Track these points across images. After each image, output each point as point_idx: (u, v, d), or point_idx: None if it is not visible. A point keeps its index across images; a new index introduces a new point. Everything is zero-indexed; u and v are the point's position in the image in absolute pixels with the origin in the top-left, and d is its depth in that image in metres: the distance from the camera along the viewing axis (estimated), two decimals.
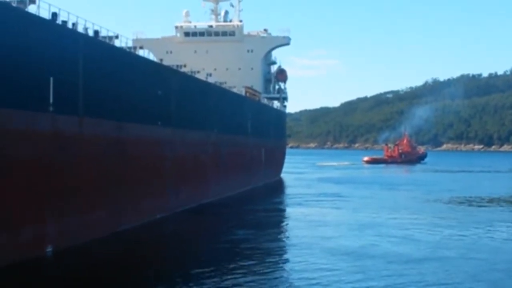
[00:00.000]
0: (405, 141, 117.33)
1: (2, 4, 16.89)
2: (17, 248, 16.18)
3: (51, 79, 18.16)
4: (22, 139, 16.39)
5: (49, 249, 17.91)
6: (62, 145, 18.74)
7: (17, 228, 16.26)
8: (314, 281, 14.86)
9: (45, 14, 18.72)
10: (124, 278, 16.05)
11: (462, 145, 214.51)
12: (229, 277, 15.13)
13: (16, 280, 14.22)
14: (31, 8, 18.72)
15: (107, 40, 24.63)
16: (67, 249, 17.89)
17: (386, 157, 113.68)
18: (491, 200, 42.25)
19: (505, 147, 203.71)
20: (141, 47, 31.99)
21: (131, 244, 21.07)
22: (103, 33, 23.72)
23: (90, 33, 22.40)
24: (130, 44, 28.62)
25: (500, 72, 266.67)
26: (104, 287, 15.22)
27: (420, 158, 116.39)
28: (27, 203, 16.70)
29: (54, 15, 19.50)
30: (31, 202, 16.90)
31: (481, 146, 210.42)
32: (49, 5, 19.03)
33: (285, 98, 62.70)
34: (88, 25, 22.20)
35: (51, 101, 18.09)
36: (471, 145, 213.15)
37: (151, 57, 36.59)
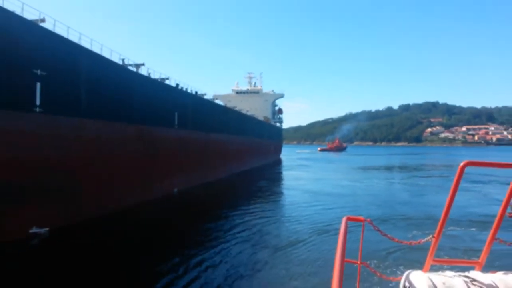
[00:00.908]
0: (337, 140, 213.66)
1: (158, 82, 37.85)
2: (165, 189, 33.74)
3: (176, 113, 40.74)
4: (163, 141, 34.20)
5: (175, 190, 35.55)
6: (182, 144, 40.81)
7: (163, 180, 33.77)
8: (296, 200, 33.94)
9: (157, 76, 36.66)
10: (213, 201, 35.05)
11: (363, 143, 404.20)
12: (259, 200, 33.74)
13: (163, 204, 30.09)
14: (143, 70, 31.93)
15: (201, 95, 48.40)
16: (185, 190, 37.41)
17: (328, 148, 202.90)
18: (376, 167, 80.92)
19: (384, 144, 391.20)
20: (216, 99, 64.56)
21: (212, 187, 41.85)
22: (199, 92, 47.39)
23: (193, 92, 45.73)
24: (211, 97, 54.83)
25: (381, 108, 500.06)
26: (206, 207, 29.12)
27: (344, 149, 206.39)
28: (167, 169, 34.74)
29: (177, 85, 42.64)
30: (168, 169, 35.78)
31: (371, 143, 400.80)
32: (164, 77, 42.49)
33: (282, 122, 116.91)
34: (192, 88, 45.72)
35: (176, 122, 40.47)
36: (367, 143, 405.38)
37: (221, 103, 64.39)
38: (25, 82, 18.77)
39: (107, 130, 25.56)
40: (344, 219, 4.83)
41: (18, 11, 18.74)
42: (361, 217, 5.20)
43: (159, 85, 35.67)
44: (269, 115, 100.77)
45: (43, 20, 20.23)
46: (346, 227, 4.63)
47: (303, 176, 58.86)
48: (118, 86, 27.49)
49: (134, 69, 30.99)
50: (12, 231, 17.44)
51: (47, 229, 19.36)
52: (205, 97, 49.70)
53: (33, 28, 19.77)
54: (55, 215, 20.12)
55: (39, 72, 19.33)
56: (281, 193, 40.73)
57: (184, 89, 41.84)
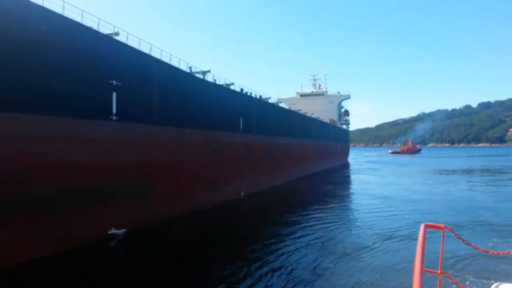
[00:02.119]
0: (409, 142, 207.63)
1: (234, 92, 38.50)
2: (231, 193, 34.36)
3: (241, 118, 41.19)
4: (229, 146, 35.22)
5: (242, 194, 36.10)
6: (247, 148, 40.86)
7: (229, 184, 34.26)
8: (363, 205, 32.84)
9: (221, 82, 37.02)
10: (278, 205, 35.11)
11: (439, 144, 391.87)
12: (324, 205, 33.22)
13: (230, 207, 30.73)
14: (209, 77, 32.45)
15: (265, 99, 48.73)
16: (250, 194, 37.75)
17: (400, 150, 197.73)
18: (454, 171, 75.32)
19: (462, 145, 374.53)
20: (280, 102, 64.67)
21: (277, 191, 41.97)
22: (263, 96, 47.75)
23: (257, 96, 46.19)
24: (275, 101, 54.46)
25: (458, 107, 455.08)
26: (271, 211, 29.74)
27: (418, 151, 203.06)
28: (233, 173, 35.17)
29: (242, 90, 43.35)
30: (234, 173, 36.30)
31: (448, 144, 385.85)
32: (229, 83, 43.21)
33: (348, 124, 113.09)
34: (256, 92, 46.19)
35: (241, 127, 40.64)
36: (443, 144, 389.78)
37: (285, 107, 64.34)
38: (104, 93, 20.25)
39: (177, 136, 26.67)
40: (422, 226, 4.71)
41: (95, 27, 20.30)
42: (441, 224, 5.02)
43: (224, 91, 36.53)
44: (335, 117, 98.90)
45: (117, 34, 21.68)
46: (424, 234, 4.54)
47: (372, 180, 56.70)
48: (186, 93, 28.61)
49: (200, 76, 32.07)
50: (93, 232, 18.82)
51: (124, 230, 20.60)
52: (269, 101, 50.09)
53: (109, 42, 21.28)
54: (131, 218, 21.36)
55: (114, 82, 20.73)
56: (348, 197, 39.50)
57: (248, 93, 42.47)
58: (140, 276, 14.66)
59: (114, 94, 20.84)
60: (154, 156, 23.91)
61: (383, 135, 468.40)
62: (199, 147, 29.59)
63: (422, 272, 3.63)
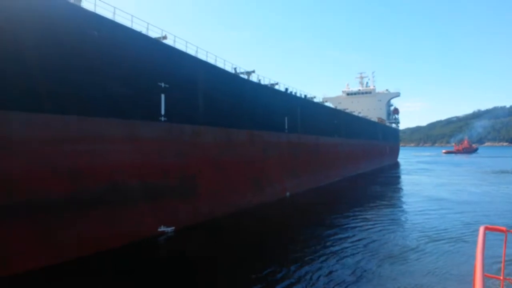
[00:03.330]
0: (465, 141, 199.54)
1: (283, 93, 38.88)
2: (276, 193, 34.59)
3: (286, 118, 40.95)
4: (274, 145, 35.47)
5: (287, 194, 36.67)
6: (292, 148, 40.46)
7: (273, 184, 34.56)
8: (413, 206, 31.55)
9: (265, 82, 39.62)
10: (323, 205, 34.49)
11: (496, 143, 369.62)
12: (371, 206, 32.23)
13: (276, 207, 31.03)
14: (253, 77, 33.15)
15: (310, 98, 48.20)
16: (295, 193, 37.73)
17: (455, 150, 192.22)
18: None
19: None
20: (326, 101, 62.47)
21: (323, 191, 41.16)
22: (308, 95, 47.25)
23: (302, 96, 45.81)
24: (320, 100, 53.38)
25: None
26: (317, 212, 29.27)
27: (474, 150, 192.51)
28: (279, 173, 35.95)
29: (286, 89, 43.16)
30: (280, 173, 36.19)
31: (506, 144, 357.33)
32: (274, 82, 43.02)
33: (398, 123, 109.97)
34: (301, 92, 45.73)
35: (286, 127, 40.78)
36: (501, 143, 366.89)
37: (331, 106, 63.06)
38: (153, 95, 20.95)
39: (222, 136, 27.02)
40: (481, 229, 4.46)
41: (144, 31, 21.03)
42: (503, 227, 4.73)
43: (269, 91, 36.54)
44: (384, 116, 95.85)
45: (165, 37, 22.37)
46: (484, 237, 4.30)
47: (423, 181, 54.31)
48: (231, 94, 28.94)
49: (245, 76, 32.30)
50: (144, 229, 19.51)
51: (172, 228, 21.18)
52: (315, 100, 49.51)
53: (157, 45, 21.98)
54: (179, 216, 21.91)
55: (163, 85, 21.38)
56: (396, 198, 38.08)
57: (293, 93, 42.18)
58: (188, 272, 14.98)
59: (163, 96, 21.49)
60: (200, 156, 24.38)
61: (435, 134, 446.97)
62: (244, 147, 29.80)
63: (484, 277, 3.37)
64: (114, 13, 18.99)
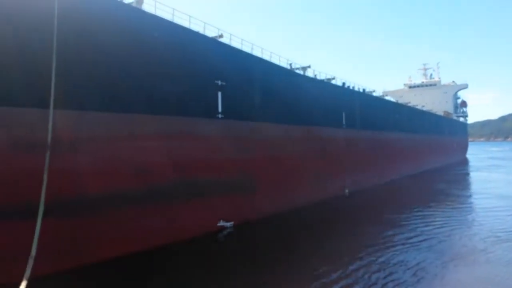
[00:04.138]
0: None
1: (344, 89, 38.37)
2: (334, 190, 33.92)
3: (343, 113, 39.98)
4: (331, 142, 34.51)
5: (346, 191, 35.90)
6: (350, 144, 38.97)
7: (331, 181, 33.66)
8: (482, 206, 29.17)
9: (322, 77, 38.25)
10: (384, 203, 33.77)
11: None
12: (435, 205, 30.14)
13: (334, 204, 30.73)
14: (309, 72, 33.17)
15: (369, 92, 46.61)
16: (355, 191, 36.20)
17: None
18: None
19: None
20: (386, 95, 58.62)
21: (384, 189, 39.65)
22: (367, 89, 45.73)
23: (361, 90, 44.35)
24: (380, 94, 51.54)
25: None
26: (377, 210, 28.86)
27: None
28: (336, 170, 34.76)
29: (344, 84, 42.05)
30: (338, 169, 34.95)
31: None
32: (330, 77, 41.79)
33: (466, 116, 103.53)
34: (359, 86, 44.33)
35: (343, 122, 39.66)
36: None
37: (392, 100, 59.92)
38: (210, 92, 21.39)
39: (278, 132, 26.92)
40: None
41: (201, 30, 21.52)
42: None
43: (325, 86, 35.82)
44: (450, 109, 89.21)
45: (221, 36, 22.77)
46: None
47: (494, 178, 50.34)
48: (286, 90, 28.75)
49: (301, 72, 31.92)
50: (204, 223, 19.98)
51: (231, 223, 21.46)
52: (374, 94, 47.70)
53: (214, 44, 22.40)
54: (237, 211, 22.16)
55: (219, 82, 21.73)
56: (463, 197, 35.52)
57: (351, 87, 40.98)
58: (247, 263, 15.09)
59: (220, 93, 21.84)
60: (257, 153, 24.46)
61: (508, 128, 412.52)
62: (301, 143, 29.46)
63: None
64: (173, 14, 19.59)
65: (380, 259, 15.87)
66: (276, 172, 26.01)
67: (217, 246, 18.50)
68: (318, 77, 35.10)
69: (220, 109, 21.90)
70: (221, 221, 21.22)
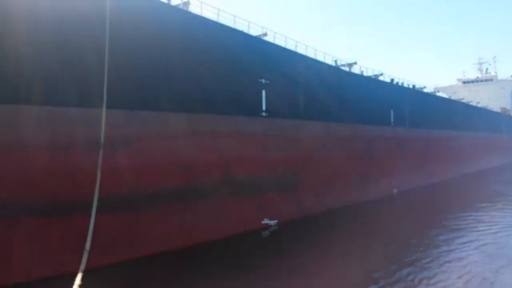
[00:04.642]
0: None
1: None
2: (382, 190, 32.76)
3: (391, 110, 38.28)
4: (378, 139, 33.21)
5: (395, 191, 34.74)
6: (399, 143, 36.72)
7: (379, 180, 32.87)
8: None
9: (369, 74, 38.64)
10: (435, 204, 32.22)
11: None
12: (493, 207, 28.38)
13: (382, 204, 30.40)
14: (355, 69, 32.98)
15: (419, 89, 44.74)
16: (404, 191, 34.73)
17: None
18: None
19: None
20: (437, 91, 57.07)
21: (435, 189, 37.88)
22: (417, 85, 43.90)
23: (410, 86, 42.66)
24: (432, 90, 49.59)
25: None
26: (428, 211, 28.70)
27: None
28: (384, 169, 33.55)
29: (392, 80, 40.49)
30: (386, 168, 33.82)
31: None
32: (378, 73, 40.28)
33: None
34: (408, 82, 42.64)
35: (392, 120, 38.41)
36: None
37: (444, 96, 57.15)
38: (255, 91, 21.50)
39: (323, 131, 26.54)
40: None
41: (245, 30, 21.68)
42: None
43: (372, 82, 34.82)
44: (508, 106, 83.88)
45: (265, 34, 22.81)
46: None
47: None
48: (331, 87, 28.27)
49: (346, 68, 31.26)
50: (249, 221, 20.15)
51: (275, 221, 21.47)
52: (425, 90, 45.62)
53: (258, 43, 22.48)
54: (281, 210, 22.14)
55: (263, 81, 21.78)
56: None
57: (399, 83, 39.54)
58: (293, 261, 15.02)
59: (263, 91, 21.89)
60: (301, 151, 24.27)
61: None
62: (347, 141, 28.86)
63: None
64: (217, 15, 19.88)
65: (425, 261, 15.24)
66: (321, 170, 25.67)
67: (259, 243, 18.53)
68: (365, 74, 34.20)
69: (264, 108, 21.94)
70: (265, 219, 21.28)
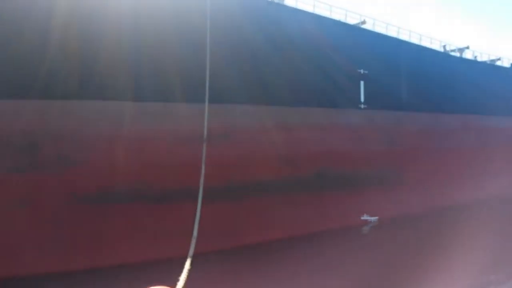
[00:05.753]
0: None
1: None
2: (498, 189, 28.20)
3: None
4: (492, 131, 28.96)
5: None
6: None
7: (494, 178, 28.10)
8: None
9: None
10: None
11: None
12: None
13: (503, 205, 27.73)
14: (467, 54, 29.84)
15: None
16: None
17: None
18: None
19: None
20: None
21: None
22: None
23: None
24: None
25: None
26: None
27: None
28: (503, 165, 29.31)
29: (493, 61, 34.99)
30: (502, 166, 29.30)
31: None
32: (494, 58, 33.04)
33: None
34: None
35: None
36: None
37: None
38: (352, 82, 20.77)
39: (430, 122, 24.58)
40: None
41: (343, 19, 21.05)
42: None
43: (488, 68, 31.22)
44: None
45: (364, 22, 22.01)
46: None
47: None
48: (439, 75, 26.03)
49: (457, 54, 28.50)
50: (346, 216, 19.59)
51: (376, 218, 20.50)
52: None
53: (356, 31, 21.66)
54: (382, 206, 21.04)
55: (362, 71, 20.90)
56: None
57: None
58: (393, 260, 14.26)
59: (362, 82, 21.01)
60: (404, 144, 22.77)
61: None
62: (458, 133, 26.31)
63: None
64: (314, 6, 19.67)
65: None
66: (426, 165, 23.77)
67: (358, 240, 17.91)
68: (479, 59, 30.78)
69: (362, 99, 21.06)
70: (365, 215, 20.45)
